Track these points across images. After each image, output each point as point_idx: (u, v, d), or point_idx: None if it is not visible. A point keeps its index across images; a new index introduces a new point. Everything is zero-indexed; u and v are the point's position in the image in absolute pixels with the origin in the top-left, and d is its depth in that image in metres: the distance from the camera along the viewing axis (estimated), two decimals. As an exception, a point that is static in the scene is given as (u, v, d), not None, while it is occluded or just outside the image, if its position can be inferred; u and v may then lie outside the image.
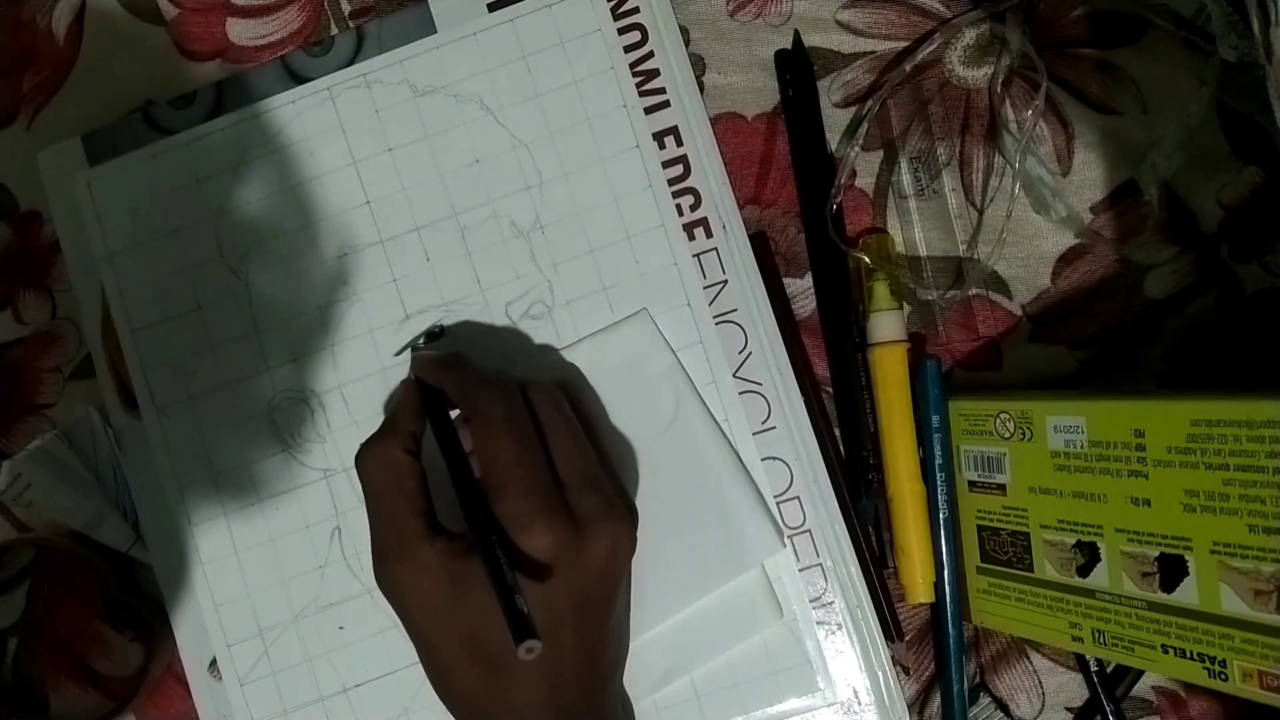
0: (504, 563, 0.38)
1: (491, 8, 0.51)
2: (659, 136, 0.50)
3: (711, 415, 0.49)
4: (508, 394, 0.43)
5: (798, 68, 0.51)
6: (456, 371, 0.45)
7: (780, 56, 0.51)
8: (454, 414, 0.45)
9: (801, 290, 0.51)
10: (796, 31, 0.51)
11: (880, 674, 0.48)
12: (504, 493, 0.40)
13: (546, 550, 0.40)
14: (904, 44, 0.51)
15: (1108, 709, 0.48)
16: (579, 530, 0.41)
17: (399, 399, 0.46)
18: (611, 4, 0.50)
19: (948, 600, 0.49)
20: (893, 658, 0.49)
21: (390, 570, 0.41)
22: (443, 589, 0.40)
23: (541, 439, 0.43)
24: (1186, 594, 0.39)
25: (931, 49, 0.50)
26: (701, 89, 0.51)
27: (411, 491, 0.42)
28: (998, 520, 0.46)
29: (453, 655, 0.41)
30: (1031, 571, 0.45)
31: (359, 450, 0.43)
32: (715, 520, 0.48)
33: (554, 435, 0.43)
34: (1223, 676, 0.38)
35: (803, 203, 0.51)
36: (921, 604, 0.50)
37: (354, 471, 0.49)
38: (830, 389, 0.51)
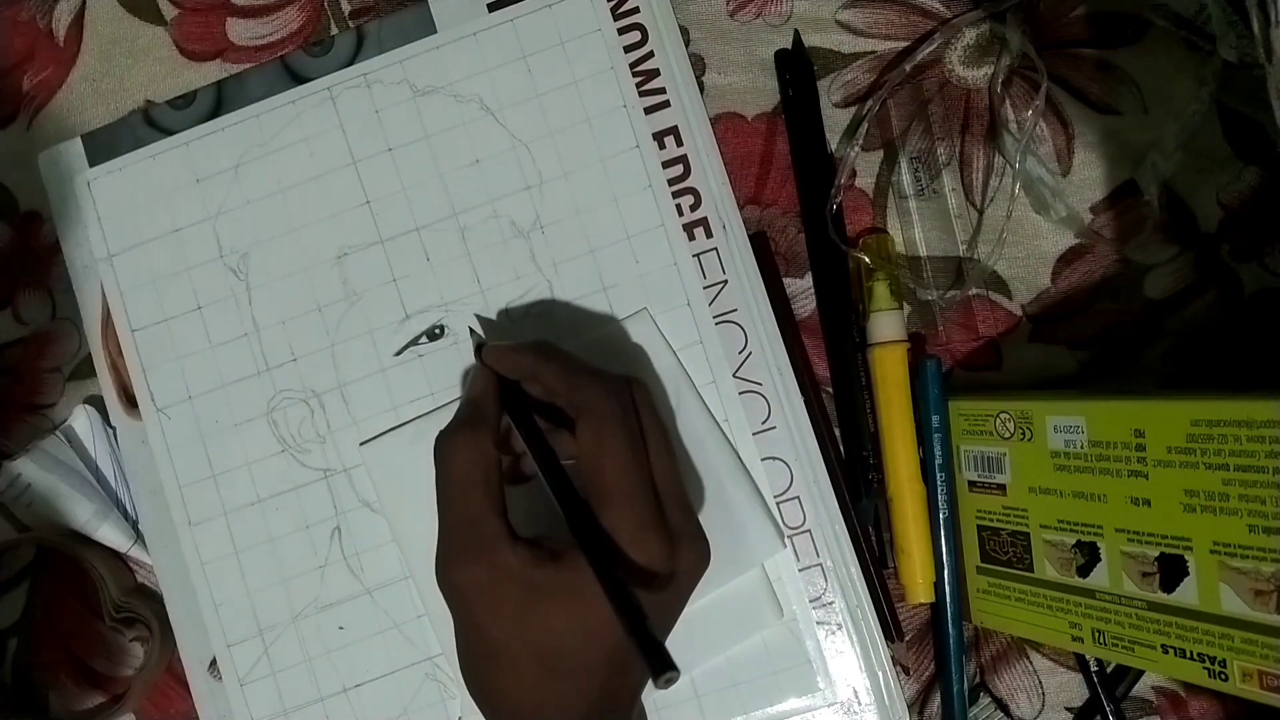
0: (629, 588, 0.36)
1: (491, 8, 0.51)
2: (659, 136, 0.50)
3: (712, 416, 0.49)
4: (619, 390, 0.41)
5: (798, 68, 0.51)
6: (558, 361, 0.43)
7: (780, 56, 0.51)
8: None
9: (801, 290, 0.51)
10: (796, 31, 0.51)
11: (880, 674, 0.48)
12: (614, 501, 0.39)
13: (651, 565, 0.38)
14: (904, 44, 0.51)
15: (1107, 709, 0.48)
16: (675, 547, 0.39)
17: (476, 385, 0.43)
18: (611, 4, 0.50)
19: (948, 600, 0.49)
20: (893, 658, 0.49)
21: (462, 570, 0.39)
22: (516, 596, 0.38)
23: (644, 444, 0.41)
24: (1186, 594, 0.39)
25: (931, 49, 0.50)
26: (701, 89, 0.51)
27: (495, 489, 0.40)
28: (998, 520, 0.46)
29: (513, 661, 0.39)
30: (1031, 571, 0.45)
31: (442, 436, 0.41)
32: (716, 521, 0.48)
33: (653, 443, 0.41)
34: (1223, 676, 0.38)
35: (803, 203, 0.51)
36: (921, 604, 0.50)
37: (354, 472, 0.50)
38: (830, 389, 0.51)
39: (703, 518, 0.47)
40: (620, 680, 0.40)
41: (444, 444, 0.41)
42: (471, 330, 0.50)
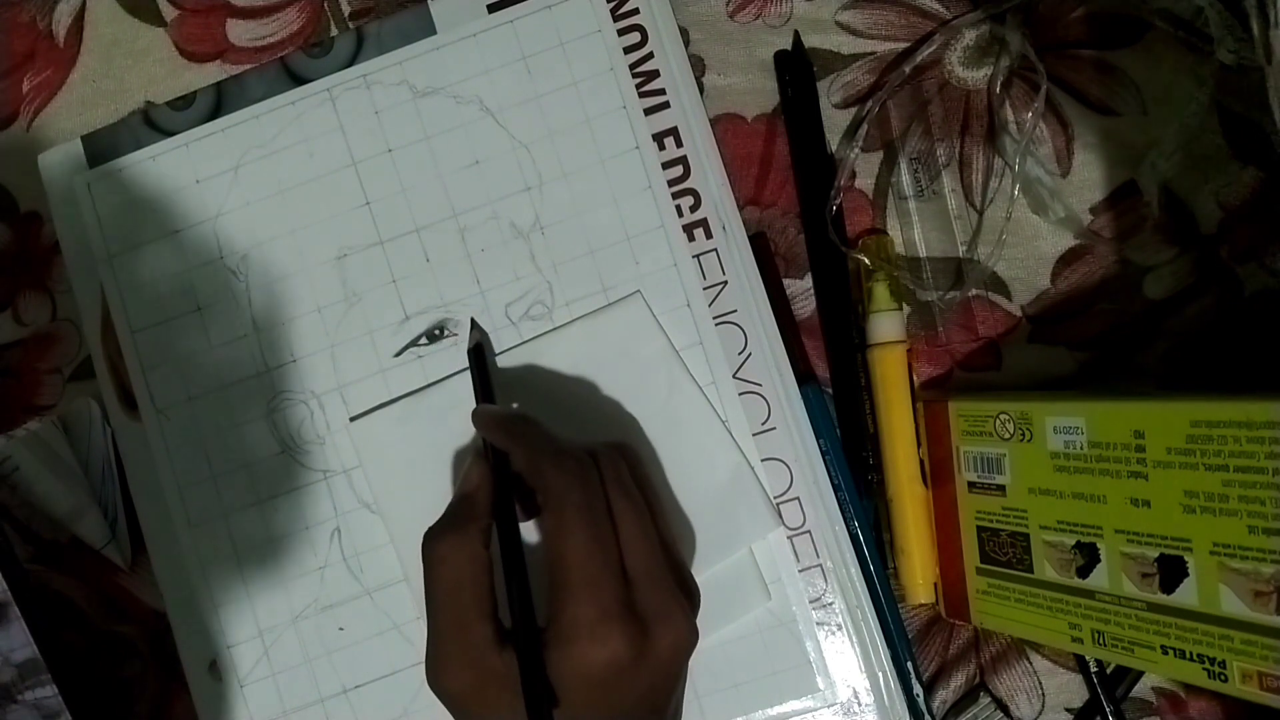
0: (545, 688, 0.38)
1: (491, 9, 0.51)
2: (659, 137, 0.50)
3: (705, 397, 0.49)
4: (584, 474, 0.41)
5: (797, 69, 0.51)
6: (526, 440, 0.42)
7: (780, 57, 0.51)
8: None
9: (802, 291, 0.51)
10: (796, 32, 0.51)
11: (880, 675, 0.48)
12: (575, 594, 0.38)
13: (617, 656, 0.38)
14: (904, 45, 0.51)
15: (1107, 710, 0.48)
16: (646, 631, 0.39)
17: (470, 477, 0.43)
18: (611, 5, 0.50)
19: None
20: (894, 659, 0.49)
21: (453, 678, 0.39)
22: (509, 700, 0.38)
23: (613, 524, 0.41)
24: (1186, 595, 0.39)
25: (931, 51, 0.50)
26: (701, 90, 0.51)
27: (483, 592, 0.40)
28: (997, 521, 0.46)
29: None
30: (1031, 572, 0.45)
31: (429, 536, 0.41)
32: (710, 500, 0.48)
33: (623, 521, 0.41)
34: (1222, 678, 0.38)
35: (802, 204, 0.51)
36: (922, 604, 0.50)
37: (353, 473, 0.50)
38: (830, 389, 0.51)
39: (697, 498, 0.48)
40: None
41: (432, 545, 0.41)
42: (474, 323, 0.50)
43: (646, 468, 0.47)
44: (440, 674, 0.40)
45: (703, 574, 0.48)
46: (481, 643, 0.39)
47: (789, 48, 0.51)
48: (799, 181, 0.51)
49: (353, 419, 0.50)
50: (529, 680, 0.38)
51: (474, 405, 0.46)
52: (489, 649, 0.39)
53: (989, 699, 0.50)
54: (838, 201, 0.50)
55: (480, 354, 0.48)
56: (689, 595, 0.42)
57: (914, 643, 0.51)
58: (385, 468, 0.50)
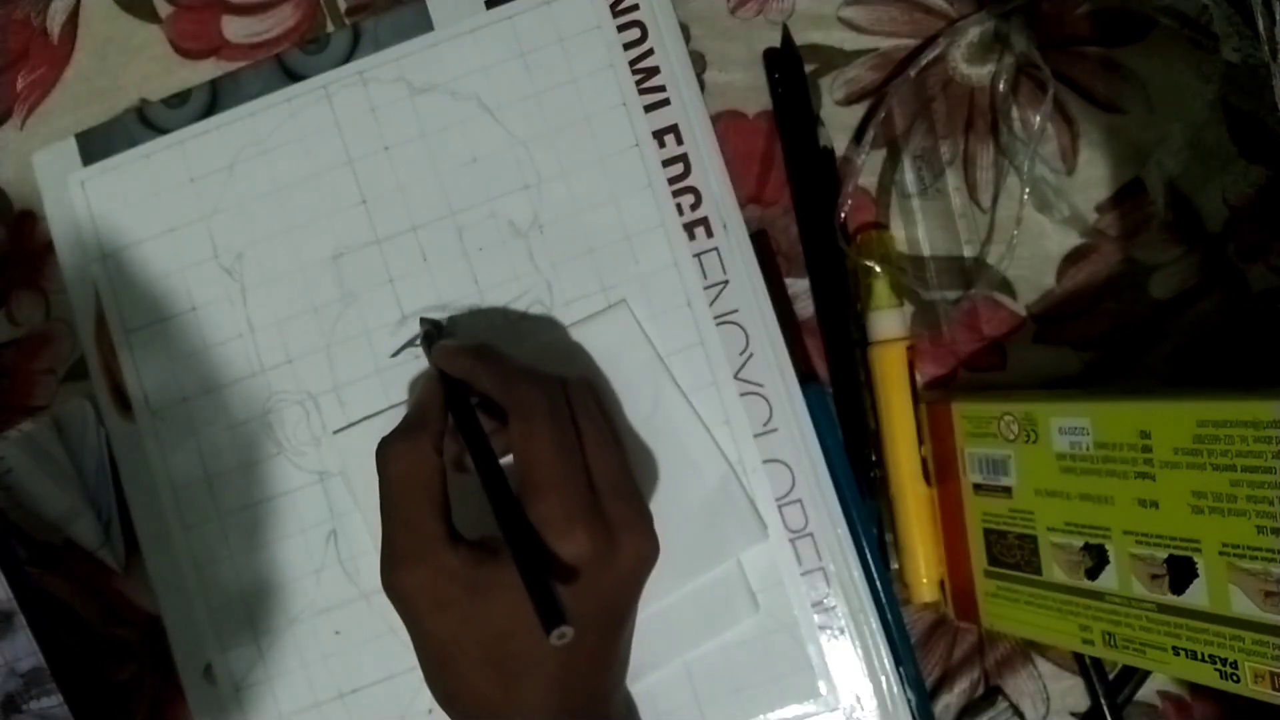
0: (536, 555, 0.38)
1: (489, 5, 0.50)
2: (659, 135, 0.49)
3: (691, 406, 0.49)
4: (551, 389, 0.42)
5: (787, 65, 0.50)
6: (494, 362, 0.43)
7: (769, 55, 0.51)
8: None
9: (804, 290, 0.51)
10: (785, 27, 0.50)
11: (883, 679, 0.48)
12: (543, 493, 0.39)
13: (581, 555, 0.39)
14: (907, 41, 0.50)
15: (1110, 714, 0.48)
16: (611, 538, 0.40)
17: (424, 392, 0.44)
18: (610, 1, 0.50)
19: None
20: (896, 663, 0.49)
21: (405, 575, 0.40)
22: (459, 597, 0.39)
23: (578, 439, 0.42)
24: (1196, 596, 0.38)
25: (935, 54, 0.49)
26: (702, 86, 0.51)
27: (436, 493, 0.41)
28: (1004, 523, 0.46)
29: (468, 663, 0.40)
30: (1040, 574, 0.44)
31: (383, 443, 0.42)
32: (695, 511, 0.48)
33: (589, 437, 0.42)
34: (1234, 678, 0.38)
35: (796, 202, 0.51)
36: (926, 604, 0.49)
37: (351, 475, 0.49)
38: (831, 388, 0.51)
39: (682, 509, 0.48)
40: (579, 673, 0.40)
41: (385, 450, 0.42)
42: (423, 319, 0.49)
43: (612, 404, 0.48)
44: (394, 573, 0.40)
45: (689, 585, 0.48)
46: (435, 539, 0.40)
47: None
48: (792, 180, 0.51)
49: (336, 432, 0.50)
50: (518, 545, 0.38)
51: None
52: (443, 546, 0.39)
53: (1005, 703, 0.49)
54: (847, 206, 0.50)
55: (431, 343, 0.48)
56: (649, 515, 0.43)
57: (917, 647, 0.50)
58: (370, 481, 0.49)
